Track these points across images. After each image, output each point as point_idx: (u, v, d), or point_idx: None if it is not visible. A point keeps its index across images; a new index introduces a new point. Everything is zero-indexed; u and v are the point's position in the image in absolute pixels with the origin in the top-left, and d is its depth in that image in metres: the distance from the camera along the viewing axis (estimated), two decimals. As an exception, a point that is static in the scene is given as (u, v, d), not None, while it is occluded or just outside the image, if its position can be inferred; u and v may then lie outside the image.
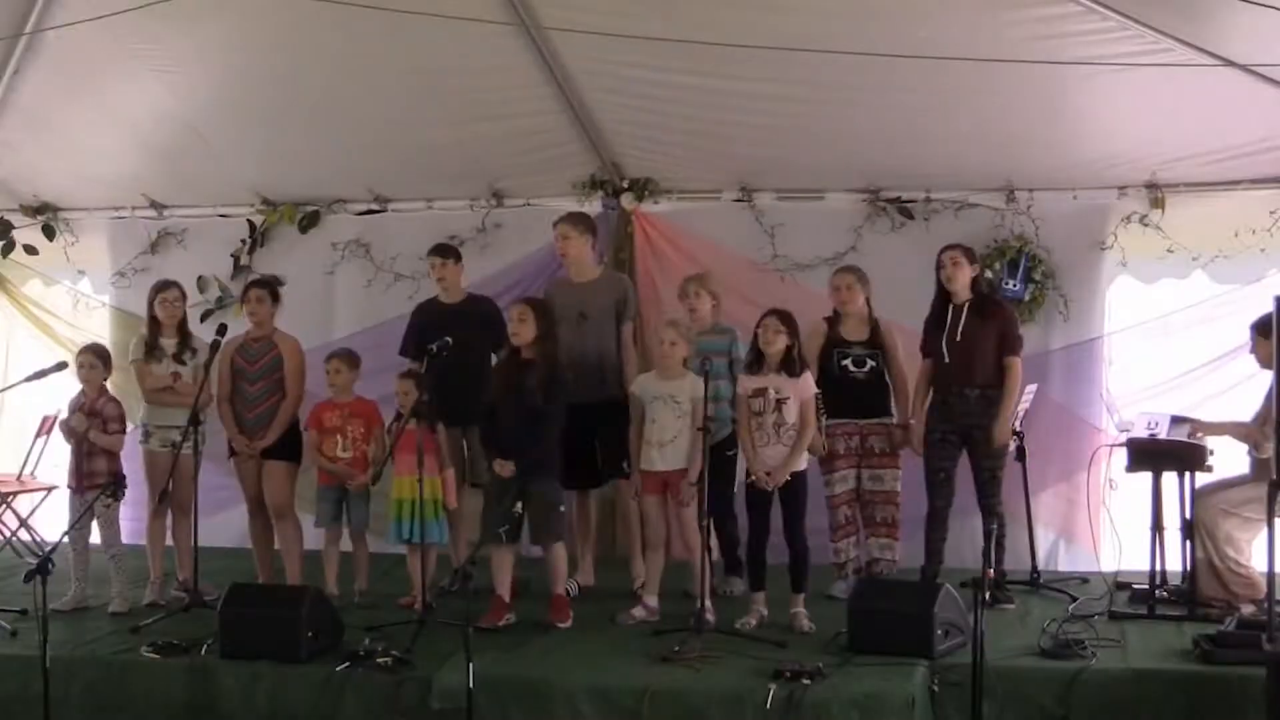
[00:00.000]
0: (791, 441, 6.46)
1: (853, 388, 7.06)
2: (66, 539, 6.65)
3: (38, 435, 8.37)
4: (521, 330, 6.62)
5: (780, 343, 6.46)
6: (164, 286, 7.41)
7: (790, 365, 6.50)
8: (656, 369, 6.82)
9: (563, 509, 6.76)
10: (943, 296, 7.06)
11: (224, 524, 8.11)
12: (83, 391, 7.18)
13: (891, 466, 7.12)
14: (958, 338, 6.95)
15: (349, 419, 7.20)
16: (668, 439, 6.63)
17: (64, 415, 7.21)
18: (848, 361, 7.08)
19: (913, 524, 7.24)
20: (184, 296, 7.49)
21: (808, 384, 6.53)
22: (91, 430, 7.01)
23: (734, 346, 7.00)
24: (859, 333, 7.15)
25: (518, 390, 6.56)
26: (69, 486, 7.15)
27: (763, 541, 6.59)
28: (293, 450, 7.26)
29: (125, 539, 7.18)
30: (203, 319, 8.58)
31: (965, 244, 7.22)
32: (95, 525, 7.06)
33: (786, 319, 6.50)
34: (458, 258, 7.63)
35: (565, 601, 6.73)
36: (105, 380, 7.23)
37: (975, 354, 6.93)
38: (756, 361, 6.55)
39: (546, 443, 6.64)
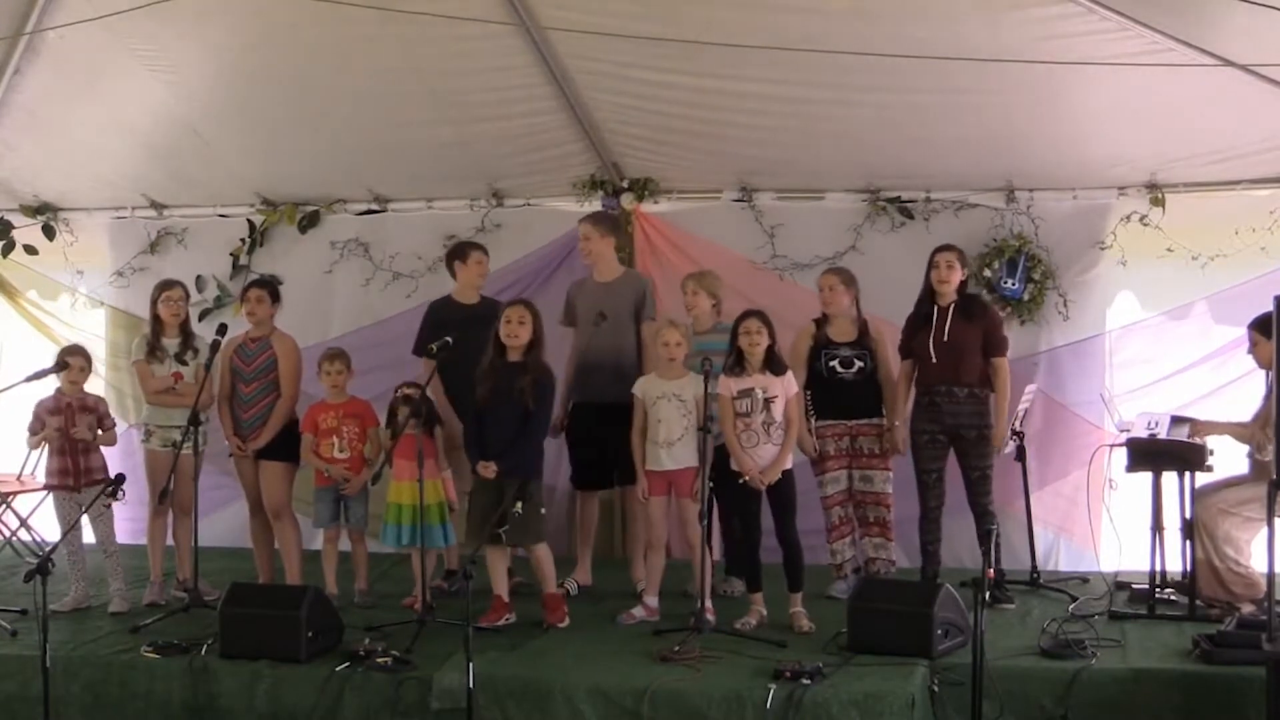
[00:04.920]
0: (781, 440, 6.47)
1: (841, 388, 7.07)
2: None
3: (38, 435, 8.36)
4: (521, 332, 6.61)
5: (764, 343, 6.48)
6: (168, 286, 7.39)
7: (774, 364, 6.51)
8: (658, 369, 6.81)
9: (544, 511, 6.76)
10: (929, 296, 7.07)
11: (220, 523, 8.11)
12: (59, 391, 7.13)
13: (882, 468, 7.12)
14: (944, 338, 6.94)
15: (344, 420, 7.19)
16: (675, 438, 6.62)
17: (41, 416, 7.09)
18: (835, 362, 7.08)
19: (902, 525, 7.25)
20: (187, 296, 7.49)
21: (791, 381, 6.55)
22: (95, 432, 7.01)
23: None
24: (847, 334, 7.15)
25: (507, 393, 6.56)
26: (63, 486, 7.04)
27: (755, 542, 6.59)
28: (289, 450, 7.25)
29: (126, 539, 7.19)
30: (201, 318, 8.58)
31: (963, 244, 7.25)
32: (88, 524, 7.05)
33: (764, 318, 6.52)
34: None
35: (559, 600, 6.73)
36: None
37: (961, 354, 6.94)
38: (738, 363, 6.55)
39: (535, 445, 6.68)
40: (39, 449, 7.13)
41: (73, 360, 7.17)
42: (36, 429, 7.12)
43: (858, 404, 7.10)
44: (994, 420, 7.00)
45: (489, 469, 6.51)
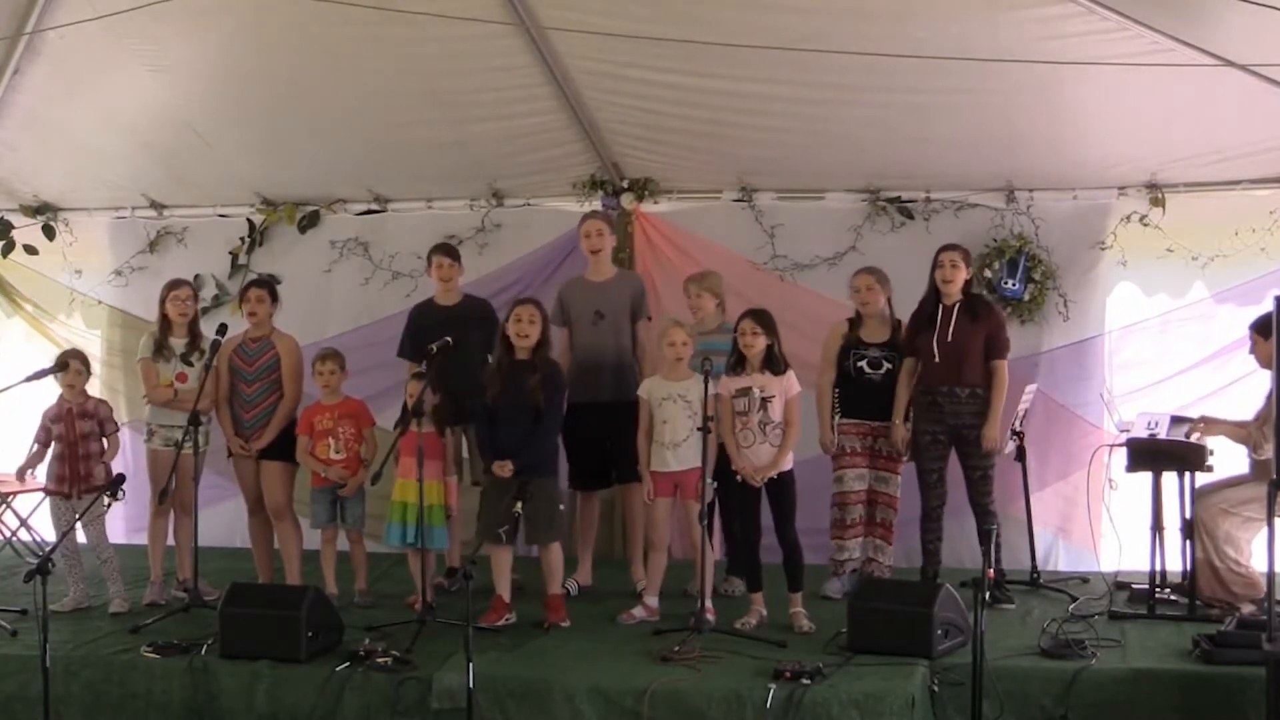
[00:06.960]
0: (779, 440, 6.46)
1: (867, 389, 7.07)
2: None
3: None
4: (532, 331, 6.62)
5: (759, 343, 6.47)
6: (176, 285, 7.35)
7: (773, 363, 6.50)
8: (662, 371, 6.80)
9: (562, 508, 6.76)
10: (934, 295, 7.06)
11: (214, 521, 8.07)
12: (62, 398, 7.12)
13: (895, 470, 7.14)
14: (949, 338, 6.93)
15: (340, 420, 7.17)
16: (681, 439, 6.61)
17: (46, 425, 7.09)
18: (863, 363, 7.08)
19: (901, 526, 7.26)
20: (195, 295, 7.49)
21: (792, 381, 6.53)
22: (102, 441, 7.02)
23: None
24: (879, 334, 7.15)
25: (518, 392, 6.57)
26: (59, 493, 7.02)
27: (754, 541, 6.59)
28: (289, 450, 7.23)
29: (126, 538, 7.17)
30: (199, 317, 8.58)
31: (963, 244, 7.22)
32: (80, 528, 6.97)
33: (761, 318, 6.50)
34: (460, 259, 7.60)
35: (562, 601, 6.73)
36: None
37: (965, 354, 6.91)
38: (739, 363, 6.55)
39: (548, 443, 6.69)
40: (44, 459, 7.10)
41: (72, 362, 7.15)
42: (41, 438, 7.09)
43: (882, 405, 7.09)
44: (988, 423, 6.93)
45: (505, 468, 6.49)
